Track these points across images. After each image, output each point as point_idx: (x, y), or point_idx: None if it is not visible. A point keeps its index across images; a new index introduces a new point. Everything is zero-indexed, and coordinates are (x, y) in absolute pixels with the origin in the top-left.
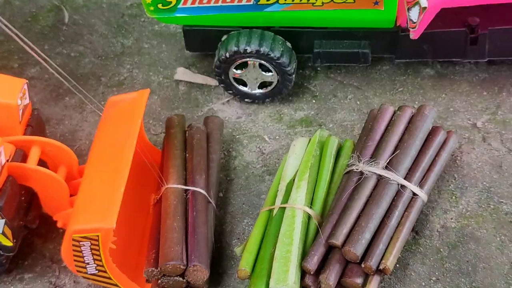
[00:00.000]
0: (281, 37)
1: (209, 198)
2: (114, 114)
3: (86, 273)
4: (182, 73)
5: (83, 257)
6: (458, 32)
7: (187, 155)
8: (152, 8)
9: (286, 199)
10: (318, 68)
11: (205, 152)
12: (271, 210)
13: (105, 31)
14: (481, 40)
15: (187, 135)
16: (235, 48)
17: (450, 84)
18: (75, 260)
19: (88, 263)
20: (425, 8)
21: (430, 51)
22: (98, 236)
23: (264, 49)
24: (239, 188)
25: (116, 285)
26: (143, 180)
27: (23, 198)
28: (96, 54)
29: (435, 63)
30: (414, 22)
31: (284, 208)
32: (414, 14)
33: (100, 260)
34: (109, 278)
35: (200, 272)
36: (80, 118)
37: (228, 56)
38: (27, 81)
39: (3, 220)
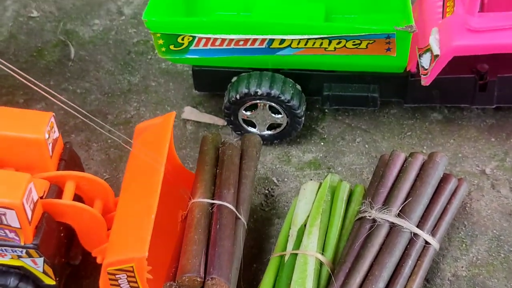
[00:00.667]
0: (291, 80)
1: (237, 213)
2: (142, 141)
3: None
4: (190, 112)
5: None
6: (467, 78)
7: (218, 170)
8: (164, 49)
9: (297, 245)
10: (326, 110)
11: (236, 168)
12: (282, 256)
13: (112, 68)
14: (490, 87)
15: (220, 152)
16: (246, 90)
17: (458, 130)
18: None
19: None
20: (437, 55)
21: (439, 96)
22: (132, 267)
23: (274, 91)
24: (247, 231)
25: None
26: (177, 203)
27: (62, 234)
28: (102, 91)
29: (442, 108)
30: (426, 69)
31: (296, 254)
32: (425, 60)
33: None
34: None
35: (220, 286)
36: (86, 156)
37: (238, 98)
38: (53, 113)
39: (42, 258)
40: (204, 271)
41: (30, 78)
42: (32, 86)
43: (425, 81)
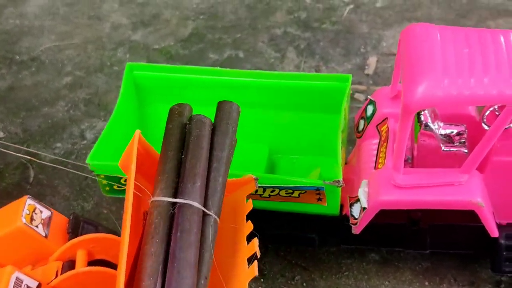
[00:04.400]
0: None
1: (205, 210)
2: None
3: None
4: None
5: None
6: (400, 225)
7: (183, 157)
8: (107, 188)
9: None
10: (269, 245)
11: (204, 152)
12: None
13: (67, 193)
14: (423, 234)
15: (186, 130)
16: None
17: (394, 272)
18: None
19: None
20: (364, 208)
21: (374, 240)
22: None
23: None
24: None
25: None
26: None
27: None
28: None
29: (381, 248)
30: (356, 219)
31: None
32: (356, 210)
33: None
34: None
35: None
36: None
37: None
38: (29, 196)
39: None
40: None
41: None
42: None
43: (355, 230)
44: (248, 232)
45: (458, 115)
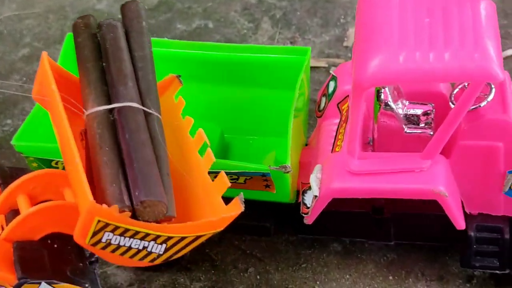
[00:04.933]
0: None
1: (145, 109)
2: None
3: None
4: None
5: None
6: (361, 213)
7: (104, 64)
8: None
9: None
10: (223, 234)
11: (125, 53)
12: None
13: None
14: (386, 223)
15: (99, 38)
16: None
17: (356, 264)
18: None
19: None
20: (316, 196)
21: (333, 229)
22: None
23: None
24: None
25: None
26: None
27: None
28: None
29: None
30: (308, 208)
31: None
32: (308, 198)
33: None
34: None
35: (155, 207)
36: None
37: None
38: None
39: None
40: (129, 197)
41: None
42: None
43: (307, 220)
44: (189, 127)
45: (426, 93)
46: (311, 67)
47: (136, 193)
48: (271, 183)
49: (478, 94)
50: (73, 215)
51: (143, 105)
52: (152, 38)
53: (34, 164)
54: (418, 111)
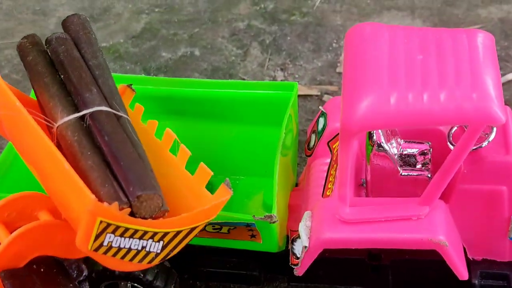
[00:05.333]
0: None
1: (114, 112)
2: None
3: None
4: None
5: None
6: (357, 260)
7: (62, 76)
8: None
9: None
10: (210, 283)
11: (81, 62)
12: None
13: None
14: (384, 271)
15: (50, 53)
16: (101, 267)
17: None
18: None
19: None
20: (306, 247)
21: (327, 277)
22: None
23: (135, 272)
24: None
25: None
26: None
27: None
28: None
29: None
30: (298, 258)
31: None
32: (297, 248)
33: None
34: None
35: (151, 200)
36: None
37: (94, 276)
38: None
39: None
40: (124, 194)
41: None
42: None
43: (297, 271)
44: (154, 130)
45: (423, 131)
46: (303, 95)
47: (131, 189)
48: (256, 233)
49: (479, 136)
50: (53, 233)
51: (111, 108)
52: (135, 76)
53: None
54: (414, 151)
